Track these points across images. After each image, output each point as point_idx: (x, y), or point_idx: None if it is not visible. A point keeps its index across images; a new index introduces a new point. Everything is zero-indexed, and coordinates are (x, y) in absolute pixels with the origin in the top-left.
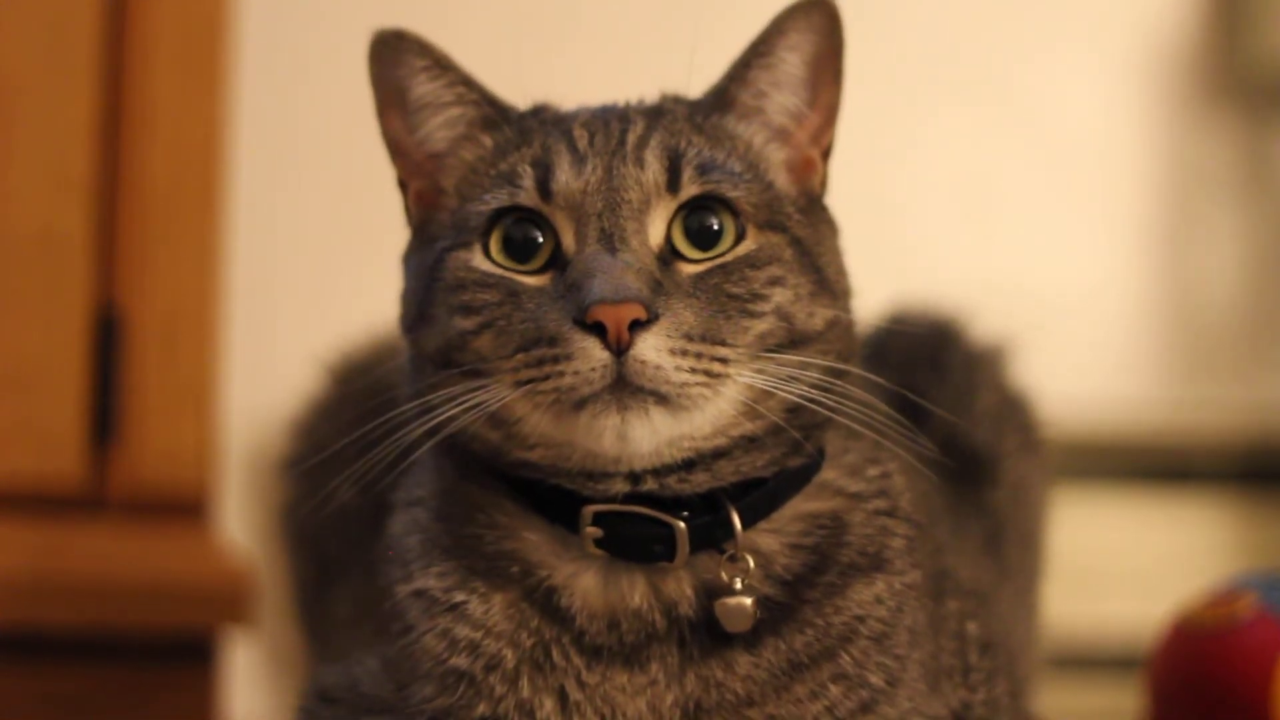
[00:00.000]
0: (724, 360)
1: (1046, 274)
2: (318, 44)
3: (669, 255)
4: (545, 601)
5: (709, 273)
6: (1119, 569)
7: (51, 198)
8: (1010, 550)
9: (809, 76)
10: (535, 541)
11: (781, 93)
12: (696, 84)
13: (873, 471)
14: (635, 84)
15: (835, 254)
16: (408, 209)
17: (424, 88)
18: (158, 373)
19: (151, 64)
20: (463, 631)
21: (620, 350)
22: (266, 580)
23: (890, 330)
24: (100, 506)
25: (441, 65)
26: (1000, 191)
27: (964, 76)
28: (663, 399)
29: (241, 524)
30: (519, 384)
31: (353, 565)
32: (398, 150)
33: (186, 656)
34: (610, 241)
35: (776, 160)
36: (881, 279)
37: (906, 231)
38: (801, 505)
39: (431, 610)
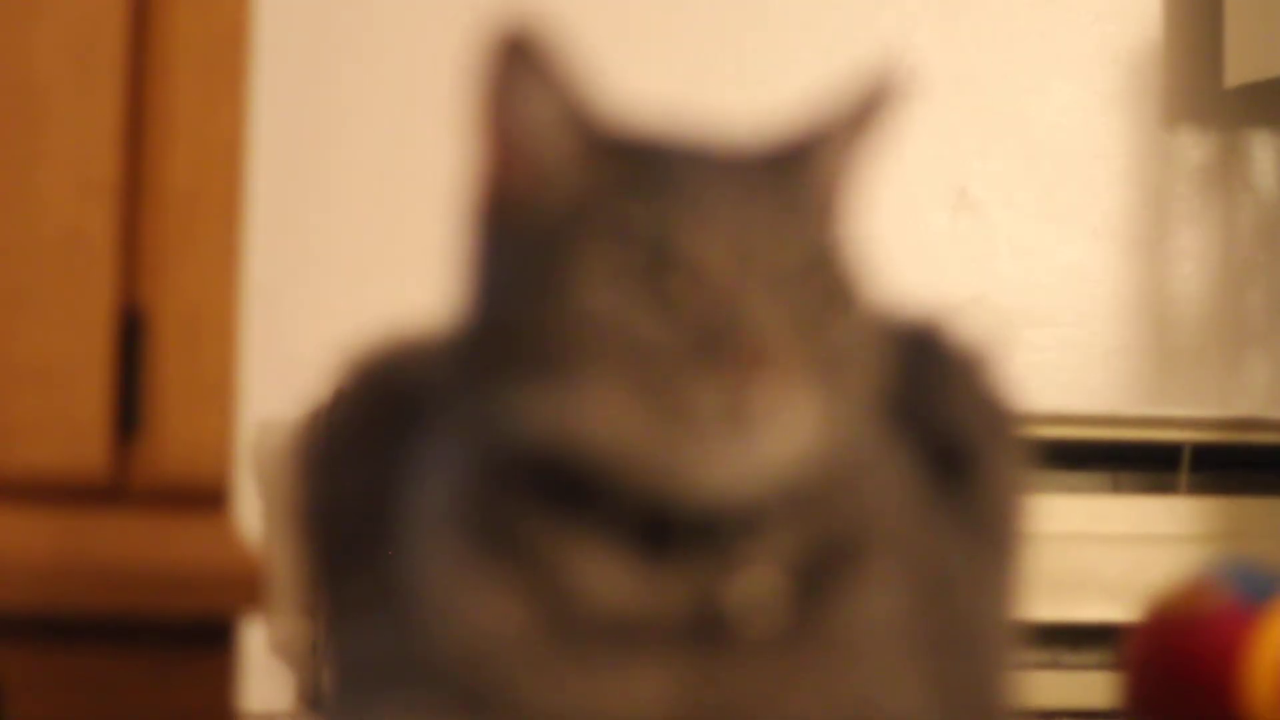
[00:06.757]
0: None
1: (1024, 279)
2: (335, 50)
3: None
4: (554, 593)
5: None
6: (1097, 571)
7: (78, 201)
8: (989, 550)
9: None
10: (546, 533)
11: None
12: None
13: (864, 470)
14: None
15: None
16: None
17: (535, 101)
18: (179, 368)
19: (173, 71)
20: (474, 617)
21: None
22: (281, 568)
23: None
24: (123, 496)
25: (561, 79)
26: (979, 198)
27: (940, 82)
28: None
29: (256, 514)
30: None
31: (367, 553)
32: (492, 154)
33: (205, 641)
34: None
35: None
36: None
37: (885, 236)
38: (799, 503)
39: (445, 595)
